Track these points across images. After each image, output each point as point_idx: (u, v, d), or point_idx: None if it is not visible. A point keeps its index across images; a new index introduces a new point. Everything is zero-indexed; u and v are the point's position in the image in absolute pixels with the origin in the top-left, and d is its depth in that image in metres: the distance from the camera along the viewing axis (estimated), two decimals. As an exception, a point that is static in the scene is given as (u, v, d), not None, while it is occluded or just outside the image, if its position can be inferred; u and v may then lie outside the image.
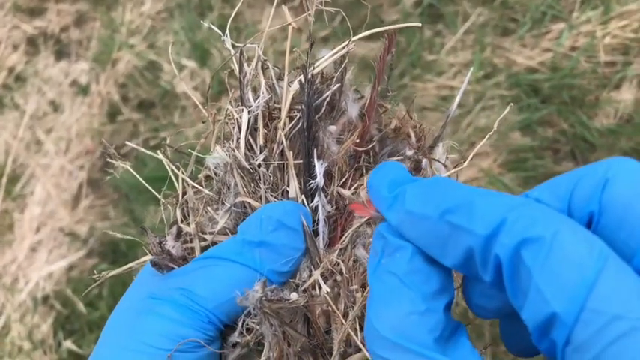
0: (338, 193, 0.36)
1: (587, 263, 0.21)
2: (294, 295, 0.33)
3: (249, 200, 0.36)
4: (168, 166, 0.40)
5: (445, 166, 0.39)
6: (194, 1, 1.68)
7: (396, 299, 0.25)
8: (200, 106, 0.42)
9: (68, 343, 1.35)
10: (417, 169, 0.38)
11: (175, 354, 0.32)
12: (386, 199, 0.28)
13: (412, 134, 0.39)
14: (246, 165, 0.37)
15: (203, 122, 0.40)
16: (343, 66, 0.38)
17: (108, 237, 1.45)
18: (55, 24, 1.75)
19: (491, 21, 1.52)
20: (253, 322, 0.34)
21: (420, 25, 0.39)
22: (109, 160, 0.43)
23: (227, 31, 0.40)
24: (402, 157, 0.38)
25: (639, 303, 0.20)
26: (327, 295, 0.33)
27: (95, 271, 0.40)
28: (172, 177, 0.40)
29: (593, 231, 0.23)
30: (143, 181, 0.43)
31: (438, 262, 0.26)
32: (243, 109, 0.38)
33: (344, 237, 0.35)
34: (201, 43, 1.59)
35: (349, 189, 0.37)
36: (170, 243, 0.37)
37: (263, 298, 0.32)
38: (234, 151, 0.37)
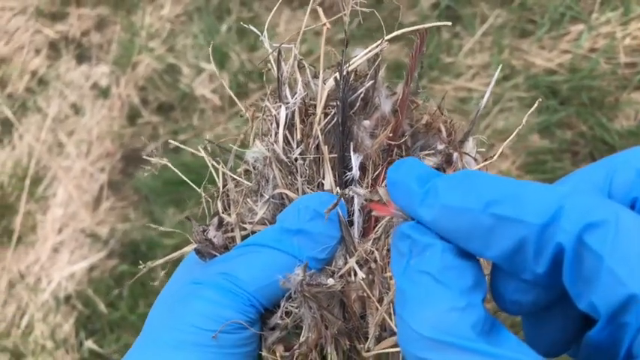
0: (372, 185, 0.38)
1: None
2: (331, 281, 0.35)
3: (287, 192, 0.38)
4: (209, 160, 0.42)
5: (475, 159, 0.40)
6: (213, 5, 1.69)
7: (432, 298, 0.24)
8: (240, 105, 0.44)
9: (89, 343, 1.37)
10: (448, 162, 0.39)
11: (219, 334, 0.34)
12: (417, 194, 0.26)
13: (443, 129, 0.40)
14: (284, 158, 0.39)
15: (241, 116, 0.43)
16: (377, 63, 0.40)
17: (128, 238, 1.47)
18: (76, 28, 1.77)
19: (509, 22, 1.52)
20: (292, 306, 0.36)
21: (450, 24, 0.41)
22: (146, 157, 0.45)
23: (265, 32, 0.42)
24: (433, 151, 0.39)
25: None
26: (362, 282, 0.35)
27: (141, 262, 0.42)
28: (212, 171, 0.42)
29: None
30: (183, 176, 0.45)
31: (468, 256, 0.25)
32: (281, 106, 0.40)
33: (377, 227, 0.37)
34: (220, 46, 1.61)
35: (382, 181, 0.38)
36: (212, 233, 0.39)
37: (304, 282, 0.34)
38: (273, 145, 0.39)
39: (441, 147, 0.39)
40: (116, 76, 1.68)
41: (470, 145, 0.40)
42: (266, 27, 0.42)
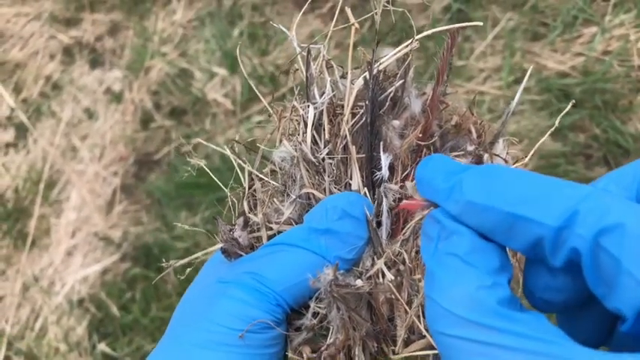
0: (401, 186, 0.37)
1: None
2: (359, 282, 0.35)
3: (314, 192, 0.38)
4: (235, 160, 0.42)
5: (505, 161, 0.40)
6: (225, 10, 1.70)
7: (461, 278, 0.25)
8: (266, 104, 0.44)
9: (102, 346, 1.38)
10: (478, 163, 0.38)
11: (246, 334, 0.33)
12: (442, 190, 0.27)
13: (473, 130, 0.40)
14: (312, 158, 0.39)
15: (269, 116, 0.43)
16: (407, 63, 0.39)
17: (141, 241, 1.47)
18: (90, 33, 1.79)
19: (521, 25, 1.51)
20: (319, 307, 0.35)
21: (481, 24, 0.42)
22: (187, 157, 0.45)
23: (293, 32, 0.42)
24: (462, 152, 0.39)
25: None
26: (390, 284, 0.35)
27: (164, 260, 0.42)
28: (239, 171, 0.42)
29: None
30: (213, 177, 0.45)
31: (494, 241, 0.26)
32: (309, 106, 0.39)
33: (406, 228, 0.36)
34: (232, 51, 1.61)
35: (411, 181, 0.37)
36: (237, 232, 0.39)
37: (333, 282, 0.33)
38: (300, 144, 0.39)
39: (470, 148, 0.39)
40: (129, 81, 1.69)
41: (500, 147, 0.40)
42: (294, 27, 0.43)
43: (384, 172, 0.37)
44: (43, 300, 1.46)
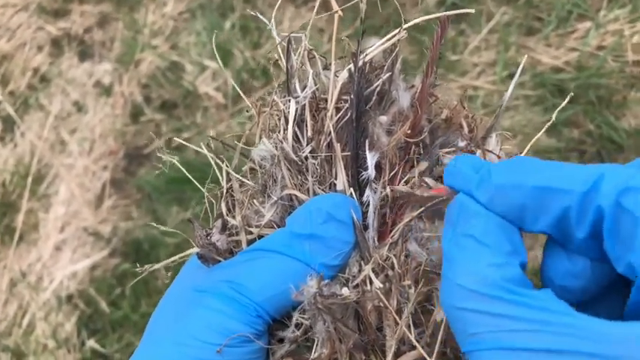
0: (391, 189, 0.35)
1: None
2: (345, 291, 0.32)
3: (297, 193, 0.36)
4: (212, 158, 0.39)
5: (498, 156, 0.38)
6: (216, 2, 1.68)
7: (475, 256, 0.27)
8: (245, 99, 0.41)
9: (91, 342, 1.36)
10: None
11: (224, 349, 0.31)
12: (473, 179, 0.29)
13: (464, 124, 0.38)
14: (294, 157, 0.36)
15: (247, 112, 0.40)
16: (394, 54, 0.37)
17: (130, 237, 1.46)
18: (79, 25, 1.76)
19: (515, 20, 1.50)
20: (303, 318, 0.33)
21: (473, 11, 0.39)
22: (158, 154, 0.42)
23: (272, 20, 0.40)
24: (453, 149, 0.37)
25: None
26: (378, 291, 0.33)
27: (138, 265, 0.40)
28: (216, 170, 0.39)
29: None
30: (189, 175, 0.43)
31: (510, 229, 0.28)
32: (290, 100, 0.37)
33: (394, 231, 0.34)
34: (223, 43, 1.59)
35: (399, 181, 0.36)
36: (216, 236, 0.36)
37: (318, 294, 0.31)
38: (281, 142, 0.36)
39: (462, 144, 0.37)
40: (119, 74, 1.67)
41: (493, 142, 0.38)
42: (273, 16, 0.40)
43: (371, 171, 0.35)
44: (30, 296, 1.44)
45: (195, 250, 0.36)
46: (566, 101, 0.41)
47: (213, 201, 0.39)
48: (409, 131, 0.36)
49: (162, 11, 1.72)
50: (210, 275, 0.34)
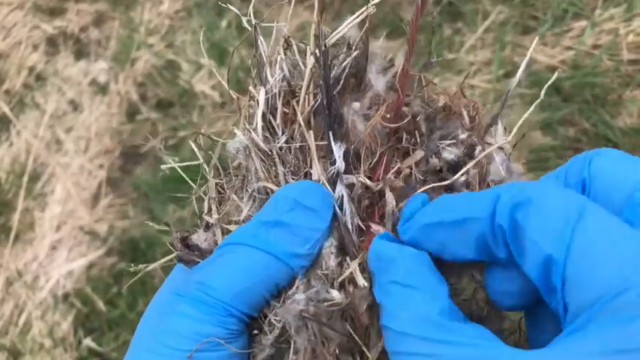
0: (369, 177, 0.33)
1: (570, 209, 0.24)
2: (336, 295, 0.31)
3: (268, 184, 0.34)
4: (200, 155, 0.38)
5: (501, 148, 0.35)
6: (212, 1, 1.68)
7: (405, 300, 0.28)
8: (225, 84, 0.40)
9: (88, 341, 1.36)
10: (469, 155, 0.34)
11: (196, 354, 0.30)
12: (401, 226, 0.31)
13: (465, 114, 0.35)
14: (264, 147, 0.34)
15: (223, 103, 0.39)
16: (363, 31, 0.34)
17: (127, 235, 1.45)
18: (75, 24, 1.76)
19: (511, 19, 1.50)
20: (277, 320, 0.32)
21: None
22: (159, 154, 0.43)
23: (251, 10, 0.39)
24: (454, 141, 0.34)
25: (615, 234, 0.24)
26: (367, 290, 0.31)
27: (132, 265, 0.39)
28: (205, 166, 0.38)
29: (586, 194, 0.29)
30: (183, 174, 0.42)
31: (427, 264, 0.29)
32: (260, 89, 0.35)
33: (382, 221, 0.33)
34: (219, 42, 1.59)
35: (386, 170, 0.34)
36: (202, 236, 0.35)
37: (304, 314, 0.30)
38: (250, 132, 0.35)
39: (463, 136, 0.34)
40: (115, 73, 1.66)
41: (500, 132, 0.36)
42: (250, 7, 0.39)
43: (340, 164, 0.32)
44: (27, 295, 1.43)
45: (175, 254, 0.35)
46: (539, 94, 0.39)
47: (204, 197, 0.38)
48: (388, 116, 0.33)
49: (159, 10, 1.72)
50: (188, 277, 0.33)
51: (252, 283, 0.31)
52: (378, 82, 0.35)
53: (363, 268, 0.32)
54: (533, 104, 0.38)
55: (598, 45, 1.43)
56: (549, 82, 0.39)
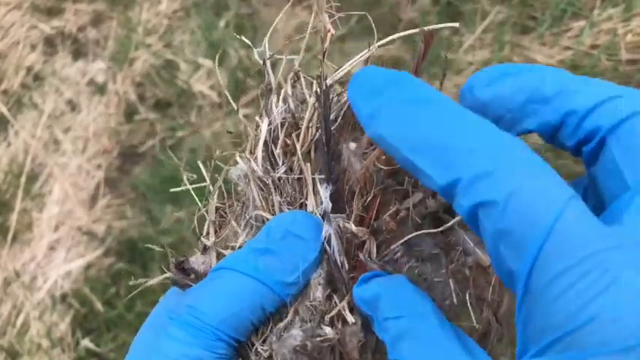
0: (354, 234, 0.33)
1: (542, 217, 0.21)
2: (329, 331, 0.31)
3: (263, 213, 0.35)
4: (207, 177, 0.39)
5: None
6: (210, 1, 1.68)
7: (401, 331, 0.28)
8: (234, 104, 0.40)
9: (86, 342, 1.36)
10: None
11: None
12: (363, 115, 0.26)
13: None
14: (263, 176, 0.35)
15: (229, 133, 0.39)
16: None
17: (125, 236, 1.45)
18: (73, 24, 1.76)
19: (510, 19, 1.50)
20: (263, 349, 0.32)
21: (457, 25, 0.36)
22: (160, 156, 0.42)
23: (265, 44, 0.39)
24: None
25: (585, 246, 0.21)
26: (357, 327, 0.32)
27: (132, 277, 0.40)
28: (211, 187, 0.39)
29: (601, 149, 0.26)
30: (193, 194, 0.42)
31: (409, 288, 0.30)
32: (263, 119, 0.36)
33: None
34: (218, 42, 1.59)
35: (377, 213, 0.33)
36: (200, 259, 0.36)
37: (297, 349, 0.31)
38: (249, 161, 0.36)
39: None
40: (113, 73, 1.66)
41: None
42: (266, 41, 0.39)
43: (326, 204, 0.33)
44: (24, 295, 1.43)
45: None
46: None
47: (206, 215, 0.38)
48: (384, 157, 0.33)
49: (157, 9, 1.72)
50: (181, 299, 0.34)
51: (239, 309, 0.31)
52: None
53: (352, 306, 0.32)
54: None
55: (596, 45, 1.43)
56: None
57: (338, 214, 0.33)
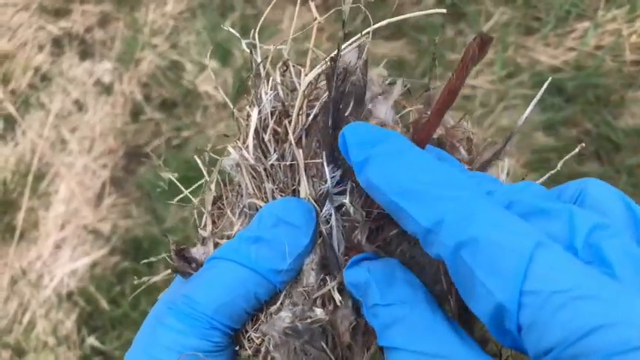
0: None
1: (521, 251, 0.22)
2: (320, 312, 0.32)
3: (255, 201, 0.35)
4: (205, 170, 0.39)
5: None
6: (216, 2, 1.69)
7: (390, 318, 0.28)
8: (229, 103, 0.41)
9: (91, 340, 1.37)
10: None
11: None
12: (355, 163, 0.28)
13: (461, 148, 0.34)
14: (254, 163, 0.35)
15: (226, 136, 0.40)
16: (363, 58, 0.34)
17: (130, 235, 1.46)
18: (80, 25, 1.77)
19: (514, 20, 1.51)
20: (256, 336, 0.33)
21: (444, 11, 0.37)
22: (158, 172, 0.43)
23: (256, 36, 0.39)
24: None
25: (571, 277, 0.22)
26: (350, 310, 0.32)
27: (135, 278, 0.40)
28: (207, 177, 0.39)
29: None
30: (183, 189, 0.42)
31: (399, 272, 0.30)
32: (254, 108, 0.36)
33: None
34: (223, 42, 1.60)
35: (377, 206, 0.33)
36: (200, 250, 0.36)
37: (287, 331, 0.31)
38: (241, 149, 0.36)
39: None
40: (119, 73, 1.67)
41: (504, 169, 0.34)
42: (255, 33, 0.39)
43: (329, 184, 0.32)
44: (31, 293, 1.44)
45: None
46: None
47: (203, 209, 0.39)
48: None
49: (163, 10, 1.73)
50: (179, 288, 0.34)
51: (233, 297, 0.32)
52: (379, 110, 0.35)
53: (342, 287, 0.32)
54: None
55: (601, 46, 1.43)
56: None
57: (340, 195, 0.33)
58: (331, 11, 0.37)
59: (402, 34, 1.50)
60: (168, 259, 0.36)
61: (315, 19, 0.37)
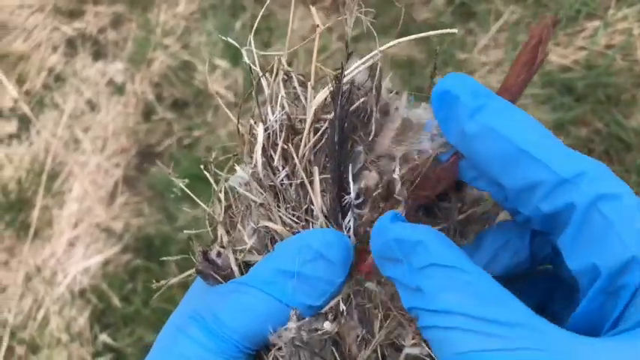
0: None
1: None
2: (327, 325, 0.31)
3: (267, 223, 0.34)
4: (212, 181, 0.39)
5: None
6: (227, 2, 1.70)
7: (448, 280, 0.26)
8: (232, 117, 0.40)
9: (104, 337, 1.38)
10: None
11: None
12: (468, 107, 0.28)
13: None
14: (265, 183, 0.34)
15: (243, 125, 0.39)
16: (376, 76, 0.34)
17: (142, 233, 1.48)
18: (93, 25, 1.79)
19: (524, 19, 1.50)
20: (281, 356, 0.32)
21: (455, 31, 0.36)
22: (171, 177, 0.41)
23: (251, 40, 0.39)
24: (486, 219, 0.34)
25: None
26: (356, 323, 0.31)
27: (154, 280, 0.40)
28: (215, 186, 0.39)
29: None
30: (195, 198, 0.42)
31: (451, 242, 0.27)
32: (259, 125, 0.35)
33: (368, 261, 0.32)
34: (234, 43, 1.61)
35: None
36: (222, 253, 0.35)
37: (295, 339, 0.30)
38: (249, 169, 0.35)
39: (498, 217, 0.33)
40: (131, 73, 1.69)
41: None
42: (251, 38, 0.38)
43: (353, 195, 0.32)
44: (45, 290, 1.47)
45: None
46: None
47: (214, 216, 0.38)
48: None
49: (175, 11, 1.74)
50: (205, 299, 0.33)
51: (263, 327, 0.31)
52: (385, 134, 0.34)
53: (350, 299, 0.32)
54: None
55: (611, 45, 1.43)
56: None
57: (360, 210, 0.33)
58: (338, 18, 0.36)
59: (411, 33, 1.51)
60: (194, 259, 0.35)
61: (318, 26, 0.36)
